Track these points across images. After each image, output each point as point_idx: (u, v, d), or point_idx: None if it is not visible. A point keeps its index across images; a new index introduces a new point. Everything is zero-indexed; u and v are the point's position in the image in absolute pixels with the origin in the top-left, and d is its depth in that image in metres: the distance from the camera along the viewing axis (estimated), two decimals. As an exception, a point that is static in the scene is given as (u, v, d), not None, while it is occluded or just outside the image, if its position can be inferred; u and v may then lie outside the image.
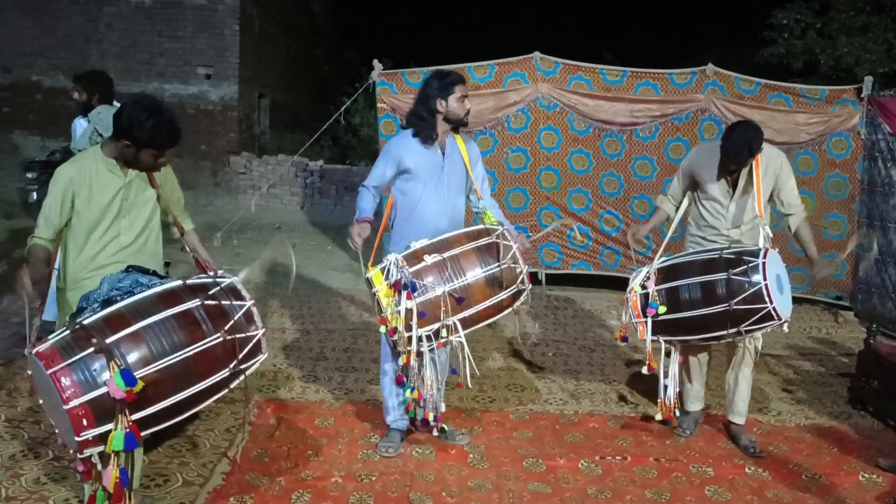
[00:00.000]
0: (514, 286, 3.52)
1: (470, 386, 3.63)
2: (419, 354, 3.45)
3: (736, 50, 14.92)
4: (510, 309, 3.59)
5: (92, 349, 2.60)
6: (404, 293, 3.33)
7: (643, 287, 3.92)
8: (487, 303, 3.47)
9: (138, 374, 2.63)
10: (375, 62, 7.44)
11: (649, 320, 3.87)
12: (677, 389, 4.12)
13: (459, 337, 3.43)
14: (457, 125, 3.78)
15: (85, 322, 2.68)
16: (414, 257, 3.43)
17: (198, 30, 13.46)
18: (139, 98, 3.16)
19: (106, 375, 2.58)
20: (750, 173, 4.01)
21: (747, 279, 3.71)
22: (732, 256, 3.80)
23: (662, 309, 3.82)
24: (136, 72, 13.24)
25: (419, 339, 3.39)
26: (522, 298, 3.60)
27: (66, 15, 13.30)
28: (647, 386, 5.08)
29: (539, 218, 7.58)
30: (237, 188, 13.39)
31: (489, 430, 4.29)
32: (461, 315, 3.42)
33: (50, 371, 2.54)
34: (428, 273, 3.40)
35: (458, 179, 3.84)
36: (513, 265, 3.50)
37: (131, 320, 2.69)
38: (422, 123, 3.73)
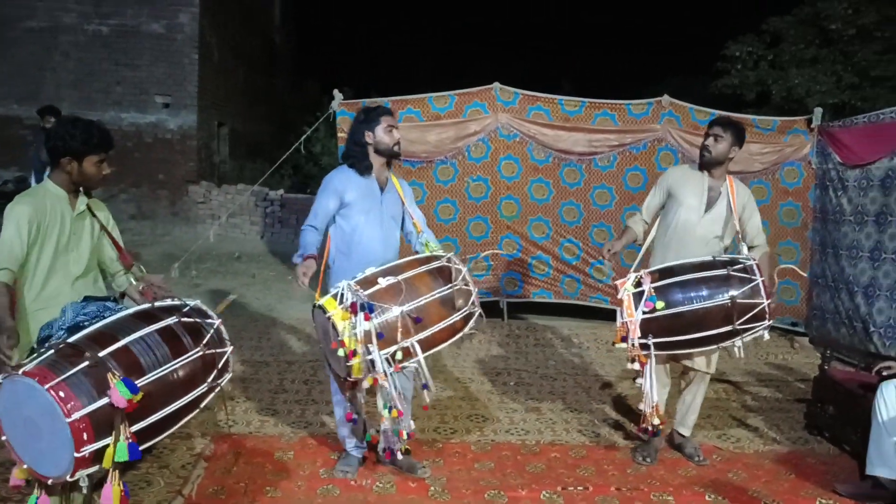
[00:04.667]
0: (467, 308, 3.54)
1: (428, 399, 3.55)
2: (383, 376, 3.39)
3: (692, 80, 15.31)
4: (462, 332, 3.59)
5: (86, 363, 2.57)
6: (361, 315, 3.28)
7: (637, 285, 3.90)
8: (443, 324, 3.47)
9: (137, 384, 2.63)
10: (336, 92, 7.46)
11: (640, 315, 3.84)
12: (656, 399, 4.08)
13: (418, 357, 3.39)
14: (388, 156, 3.85)
15: (70, 340, 2.68)
16: (367, 282, 3.41)
17: (156, 58, 13.39)
18: (58, 120, 3.26)
19: (104, 387, 2.55)
20: (725, 193, 4.18)
21: (746, 275, 3.85)
22: (727, 258, 3.99)
23: (661, 304, 3.81)
24: (93, 101, 13.10)
25: (375, 363, 3.33)
26: (473, 321, 3.61)
27: (21, 43, 13.15)
28: (608, 415, 5.12)
29: (500, 247, 7.59)
30: (196, 218, 13.24)
31: (450, 462, 4.24)
32: (419, 336, 3.40)
33: (46, 386, 2.48)
34: (384, 296, 3.38)
35: (396, 213, 3.93)
36: (464, 287, 3.53)
37: (118, 336, 2.71)
38: (355, 156, 3.83)
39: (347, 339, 3.29)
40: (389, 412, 3.49)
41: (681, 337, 3.89)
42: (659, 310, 3.81)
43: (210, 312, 3.08)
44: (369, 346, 3.29)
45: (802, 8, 12.98)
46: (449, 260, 3.59)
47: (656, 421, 4.11)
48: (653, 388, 4.04)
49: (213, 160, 14.84)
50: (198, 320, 2.97)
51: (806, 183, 7.36)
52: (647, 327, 3.86)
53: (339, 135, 7.49)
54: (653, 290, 3.84)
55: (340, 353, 3.30)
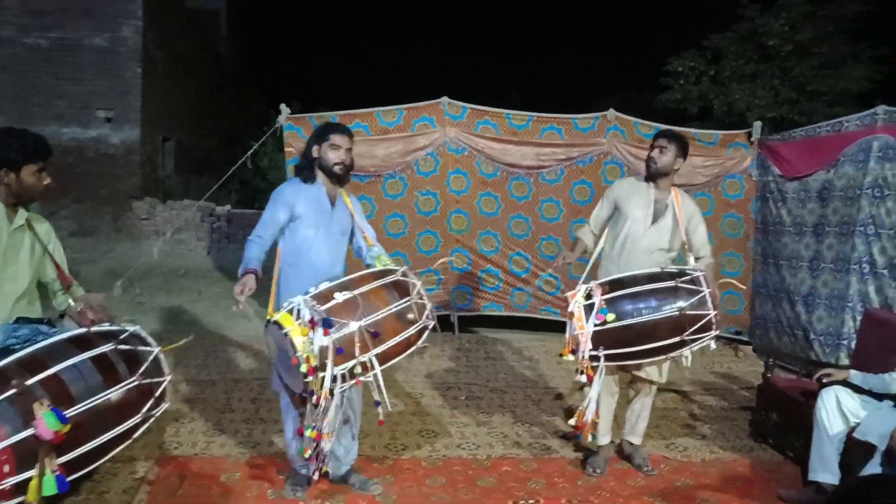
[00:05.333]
0: (422, 321, 3.54)
1: (384, 414, 3.51)
2: (331, 394, 3.33)
3: (637, 95, 15.59)
4: (416, 346, 3.58)
5: (13, 391, 2.46)
6: (320, 330, 3.24)
7: (588, 298, 3.90)
8: (399, 338, 3.45)
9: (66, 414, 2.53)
10: (282, 106, 7.40)
11: (591, 327, 3.83)
12: (596, 411, 4.09)
13: (375, 371, 3.36)
14: (327, 174, 3.83)
15: None
16: (323, 297, 3.38)
17: (98, 72, 13.11)
18: None
19: (31, 417, 2.45)
20: (671, 206, 4.24)
21: (694, 286, 3.88)
22: (675, 270, 4.00)
23: (612, 316, 3.81)
24: (32, 115, 12.74)
25: (335, 378, 3.29)
26: (426, 335, 3.60)
27: (-44, 56, 12.74)
28: (559, 427, 5.13)
29: (450, 261, 7.59)
30: (140, 234, 12.95)
31: (401, 479, 4.19)
32: (377, 350, 3.38)
33: None
34: (340, 311, 3.34)
35: (345, 228, 3.92)
36: (419, 300, 3.53)
37: (48, 363, 2.59)
38: (304, 168, 3.85)
39: (308, 355, 3.25)
40: (312, 430, 3.45)
41: (631, 348, 3.90)
42: (610, 322, 3.82)
43: (149, 339, 2.99)
44: (327, 361, 3.26)
45: (742, 24, 13.33)
46: (404, 274, 3.59)
47: (601, 437, 4.21)
48: (598, 398, 4.06)
49: (158, 175, 14.56)
50: (136, 348, 2.88)
51: (747, 195, 7.53)
52: (598, 339, 3.86)
53: (287, 149, 7.46)
54: (604, 303, 3.85)
55: (303, 368, 3.25)
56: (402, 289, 3.53)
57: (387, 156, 7.43)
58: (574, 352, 3.95)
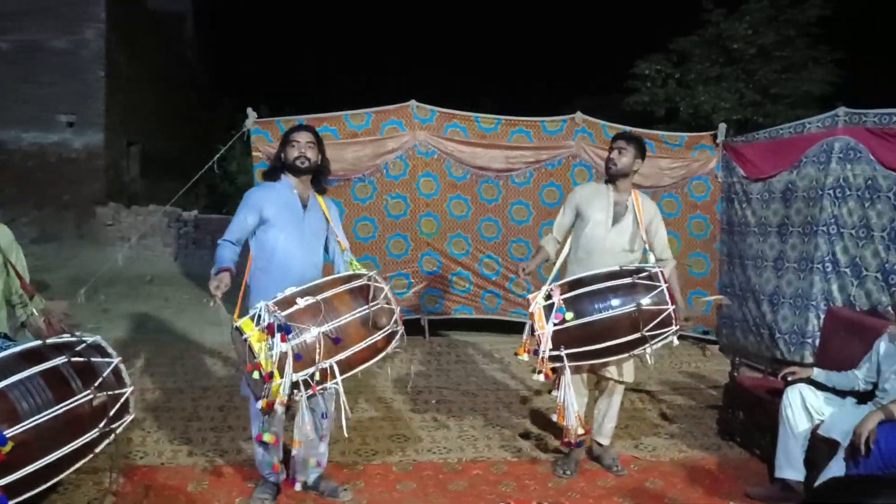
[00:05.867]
0: (389, 327, 3.50)
1: (346, 434, 3.53)
2: (289, 401, 3.30)
3: (607, 98, 15.68)
4: (385, 352, 3.55)
5: None
6: (278, 336, 3.21)
7: (548, 298, 3.91)
8: (363, 344, 3.42)
9: (7, 434, 2.43)
10: (249, 110, 7.34)
11: (551, 326, 3.84)
12: (576, 408, 4.13)
13: (336, 383, 3.33)
14: (290, 170, 3.83)
15: None
16: (285, 302, 3.34)
17: (60, 76, 12.89)
18: None
19: None
20: (631, 207, 4.29)
21: (651, 282, 3.91)
22: (633, 268, 4.02)
23: (570, 315, 3.82)
24: (-8, 119, 12.49)
25: (296, 385, 3.25)
26: (396, 340, 3.57)
27: (-86, 59, 12.45)
28: (529, 429, 5.14)
29: (420, 264, 7.58)
30: (105, 240, 12.74)
31: (372, 485, 4.17)
32: (338, 357, 3.34)
33: None
34: (302, 316, 3.31)
35: (318, 232, 3.90)
36: (386, 305, 3.50)
37: None
38: (273, 172, 3.89)
39: (264, 361, 3.20)
40: (268, 436, 3.45)
41: (592, 346, 3.91)
42: (568, 320, 3.83)
43: (109, 350, 2.90)
44: (285, 367, 3.21)
45: (707, 28, 13.46)
46: (370, 278, 3.54)
47: (580, 431, 4.16)
48: (571, 400, 4.07)
49: (123, 180, 14.35)
50: (92, 359, 2.77)
51: (713, 196, 7.61)
52: (559, 338, 3.87)
53: (254, 153, 7.41)
54: (562, 302, 3.87)
55: (256, 375, 3.22)
56: (368, 294, 3.49)
57: (356, 159, 7.40)
58: (534, 352, 3.96)
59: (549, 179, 7.60)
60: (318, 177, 3.92)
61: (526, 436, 5.01)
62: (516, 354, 4.07)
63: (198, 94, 19.46)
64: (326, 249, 4.01)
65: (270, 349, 3.21)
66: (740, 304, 7.18)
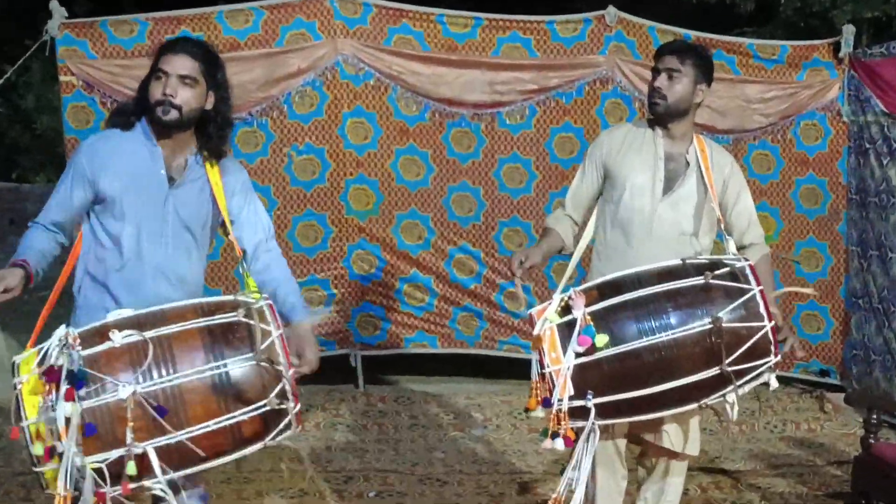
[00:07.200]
0: (266, 402, 2.35)
1: None
2: (74, 502, 2.27)
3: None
4: (262, 444, 2.46)
5: None
6: (63, 389, 2.24)
7: (565, 311, 2.89)
8: (212, 424, 2.35)
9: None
10: (54, 4, 5.37)
11: (571, 358, 2.76)
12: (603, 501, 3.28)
13: (159, 478, 2.29)
14: (153, 125, 2.65)
15: None
16: (98, 334, 2.39)
17: None
18: None
19: None
20: (694, 165, 3.34)
21: (736, 283, 2.94)
22: (705, 261, 3.10)
23: (602, 339, 2.77)
24: None
25: (83, 476, 2.22)
26: (286, 429, 2.43)
27: None
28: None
29: (348, 263, 5.72)
30: None
31: None
32: (160, 440, 2.32)
33: None
34: (114, 360, 2.37)
35: (196, 221, 2.78)
36: (268, 364, 2.42)
37: None
38: (124, 114, 2.80)
39: (38, 427, 2.29)
40: None
41: (637, 392, 2.85)
42: (600, 348, 2.82)
43: None
44: (67, 442, 2.28)
45: None
46: (251, 312, 2.40)
47: None
48: (592, 487, 3.16)
49: None
50: None
51: (834, 146, 5.94)
52: (584, 378, 2.84)
53: (63, 78, 5.54)
54: (589, 318, 2.82)
55: (37, 449, 2.25)
56: (240, 336, 2.44)
57: (238, 87, 5.11)
58: (548, 402, 2.87)
59: (564, 120, 5.80)
60: (208, 130, 2.70)
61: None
62: (527, 410, 3.00)
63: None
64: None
65: (50, 409, 2.30)
66: (881, 325, 5.68)
